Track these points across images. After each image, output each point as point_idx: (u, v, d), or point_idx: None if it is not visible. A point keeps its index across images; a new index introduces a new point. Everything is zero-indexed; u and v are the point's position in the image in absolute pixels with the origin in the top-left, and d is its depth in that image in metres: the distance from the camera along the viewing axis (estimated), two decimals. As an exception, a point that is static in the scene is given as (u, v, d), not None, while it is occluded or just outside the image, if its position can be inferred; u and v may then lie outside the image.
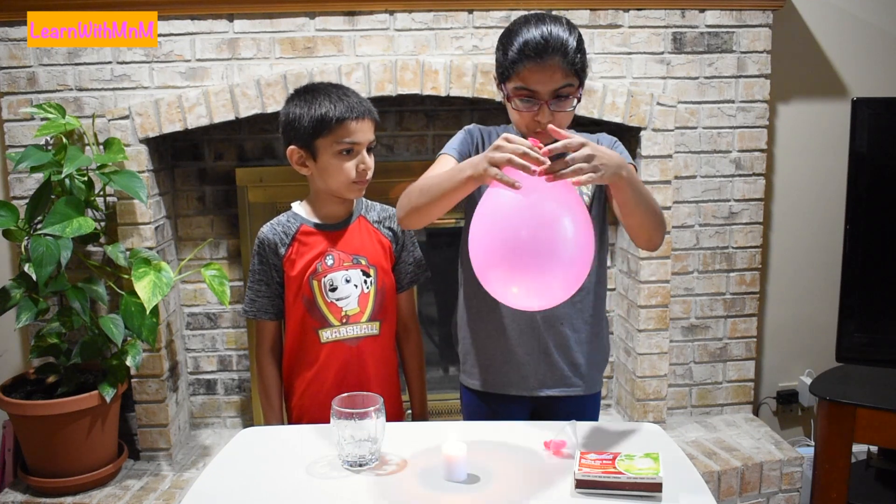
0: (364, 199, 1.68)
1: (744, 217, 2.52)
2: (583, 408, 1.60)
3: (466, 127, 1.60)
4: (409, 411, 1.75)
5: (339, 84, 1.63)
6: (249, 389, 2.56)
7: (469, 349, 1.63)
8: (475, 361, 1.61)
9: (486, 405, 1.61)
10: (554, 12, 2.26)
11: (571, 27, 1.46)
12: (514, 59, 1.43)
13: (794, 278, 2.69)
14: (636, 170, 1.46)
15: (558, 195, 1.22)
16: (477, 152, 1.54)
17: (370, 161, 1.59)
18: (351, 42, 2.27)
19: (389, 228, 1.67)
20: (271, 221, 1.64)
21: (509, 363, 1.57)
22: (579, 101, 1.48)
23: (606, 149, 1.27)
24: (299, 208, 1.65)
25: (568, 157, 1.21)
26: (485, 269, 1.25)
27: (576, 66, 1.43)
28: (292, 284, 1.60)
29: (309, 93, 1.57)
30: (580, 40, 1.46)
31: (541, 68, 1.41)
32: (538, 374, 1.57)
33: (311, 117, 1.53)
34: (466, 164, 1.31)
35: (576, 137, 1.24)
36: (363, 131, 1.56)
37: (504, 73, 1.47)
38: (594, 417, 1.65)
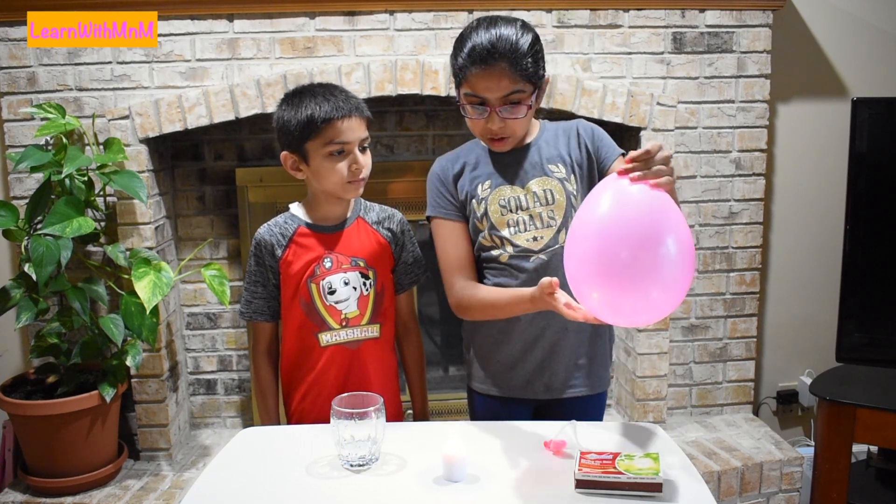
0: (363, 200, 1.65)
1: (744, 217, 2.51)
2: (587, 407, 1.60)
3: (430, 173, 1.59)
4: (410, 411, 1.75)
5: (328, 84, 1.58)
6: (249, 389, 2.56)
7: (475, 353, 1.63)
8: (481, 365, 1.61)
9: (494, 408, 1.61)
10: (554, 13, 2.28)
11: (526, 29, 1.42)
12: (462, 64, 1.41)
13: (794, 278, 2.69)
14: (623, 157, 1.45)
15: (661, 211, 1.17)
16: (451, 195, 1.55)
17: (363, 159, 1.54)
18: (351, 42, 2.27)
19: (388, 229, 1.64)
20: (268, 223, 1.61)
21: (515, 367, 1.57)
22: (532, 107, 1.45)
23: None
24: (297, 209, 1.62)
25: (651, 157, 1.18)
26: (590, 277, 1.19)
27: (526, 70, 1.40)
28: (289, 287, 1.57)
29: (296, 96, 1.54)
30: (535, 43, 1.42)
31: (488, 74, 1.39)
32: (543, 378, 1.56)
33: (298, 121, 1.50)
34: (530, 303, 1.37)
35: (655, 143, 1.20)
36: (352, 130, 1.51)
37: (456, 78, 1.45)
38: (599, 417, 1.65)
